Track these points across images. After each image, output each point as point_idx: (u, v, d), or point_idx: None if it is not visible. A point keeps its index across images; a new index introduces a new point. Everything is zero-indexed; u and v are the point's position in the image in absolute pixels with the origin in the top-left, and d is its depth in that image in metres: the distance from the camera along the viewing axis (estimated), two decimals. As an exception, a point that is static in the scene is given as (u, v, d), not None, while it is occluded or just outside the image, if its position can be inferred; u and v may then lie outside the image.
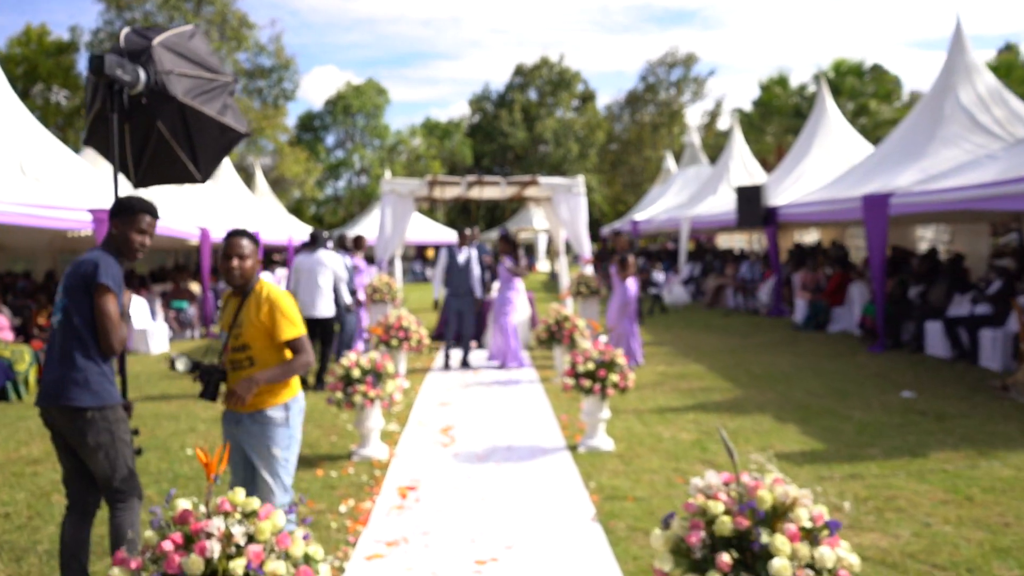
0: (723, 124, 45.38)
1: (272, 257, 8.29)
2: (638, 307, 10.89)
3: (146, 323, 12.21)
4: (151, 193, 4.59)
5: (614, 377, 5.28)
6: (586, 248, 11.61)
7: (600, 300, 11.27)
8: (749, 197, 14.52)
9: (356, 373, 5.20)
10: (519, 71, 46.79)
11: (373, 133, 43.17)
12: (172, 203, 13.87)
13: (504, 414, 6.76)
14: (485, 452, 5.49)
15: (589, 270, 11.65)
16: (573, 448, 5.49)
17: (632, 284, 9.31)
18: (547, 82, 46.36)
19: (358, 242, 10.21)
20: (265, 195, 27.61)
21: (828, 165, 15.54)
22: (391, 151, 42.89)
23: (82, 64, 31.82)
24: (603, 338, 5.88)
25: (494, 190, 12.16)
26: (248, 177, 28.91)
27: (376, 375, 5.28)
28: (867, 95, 25.12)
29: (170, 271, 16.25)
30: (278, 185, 38.05)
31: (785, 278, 14.69)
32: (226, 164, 24.51)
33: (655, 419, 6.40)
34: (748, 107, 33.67)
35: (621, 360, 5.36)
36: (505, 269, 9.32)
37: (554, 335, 8.22)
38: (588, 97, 48.25)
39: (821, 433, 5.76)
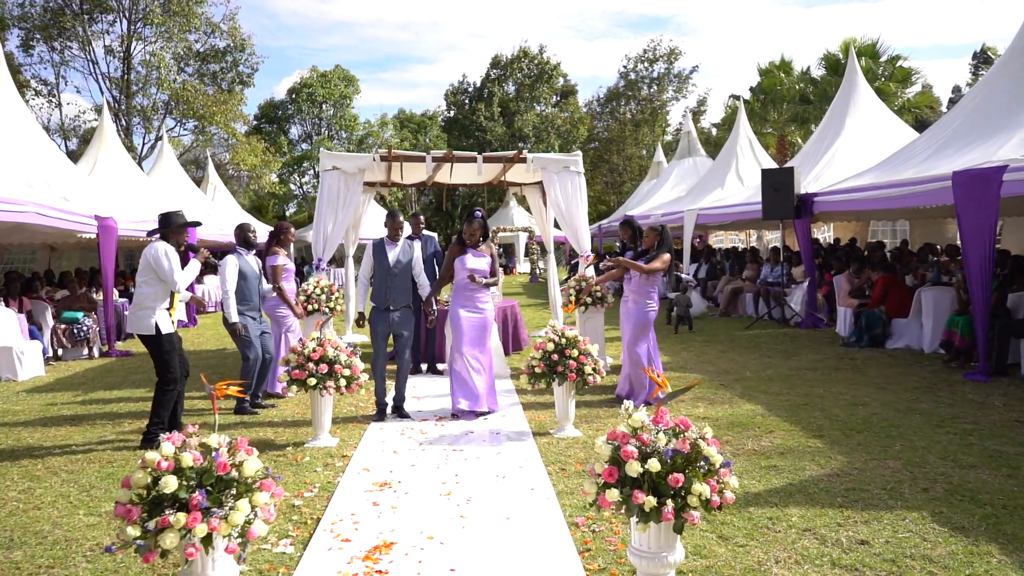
0: (707, 121, 43.20)
1: (209, 260, 5.89)
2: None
3: (14, 340, 9.32)
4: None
5: (700, 488, 2.59)
6: (585, 243, 8.98)
7: (608, 312, 8.66)
8: (777, 183, 11.97)
9: (169, 487, 2.46)
10: (497, 63, 43.98)
11: (340, 124, 40.01)
12: (66, 185, 11.01)
13: (477, 518, 4.04)
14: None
15: (591, 272, 8.98)
16: (614, 620, 2.82)
17: (656, 291, 6.88)
18: (526, 75, 43.66)
19: (278, 233, 7.36)
20: (218, 189, 24.73)
21: (866, 145, 13.14)
22: (360, 144, 39.81)
23: (12, 43, 28.60)
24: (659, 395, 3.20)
25: (468, 171, 9.46)
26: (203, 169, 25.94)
27: (213, 490, 2.54)
28: (883, 78, 22.69)
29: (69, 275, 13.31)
30: (238, 180, 34.95)
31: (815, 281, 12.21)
32: (168, 150, 21.62)
33: (739, 524, 3.73)
34: (723, 112, 31.24)
35: (711, 451, 2.68)
36: (464, 275, 6.48)
37: (555, 367, 5.52)
38: (569, 91, 45.63)
39: (1062, 570, 3.15)
